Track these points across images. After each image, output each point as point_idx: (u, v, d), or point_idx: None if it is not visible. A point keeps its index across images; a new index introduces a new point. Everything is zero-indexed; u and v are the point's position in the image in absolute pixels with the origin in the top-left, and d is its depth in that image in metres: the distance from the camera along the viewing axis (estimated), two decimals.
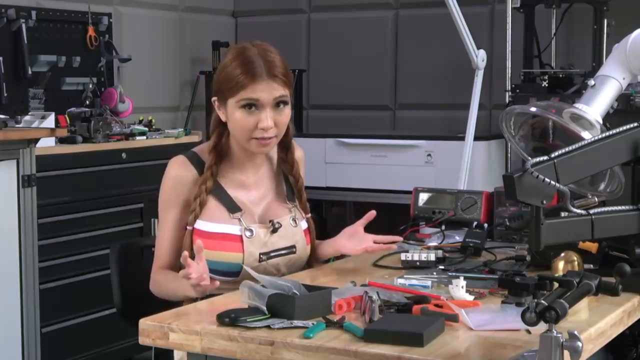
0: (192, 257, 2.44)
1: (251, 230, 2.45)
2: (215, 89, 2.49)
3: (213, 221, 2.45)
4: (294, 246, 2.51)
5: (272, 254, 2.47)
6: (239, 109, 2.42)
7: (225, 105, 2.45)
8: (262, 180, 2.56)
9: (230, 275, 2.43)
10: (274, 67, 2.42)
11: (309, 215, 2.60)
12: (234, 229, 2.45)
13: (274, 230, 2.48)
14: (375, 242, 2.49)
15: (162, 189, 2.52)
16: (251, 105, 2.41)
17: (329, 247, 2.60)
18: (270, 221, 2.49)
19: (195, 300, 2.42)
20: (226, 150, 2.52)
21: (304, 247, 2.54)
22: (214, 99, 2.50)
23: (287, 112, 2.46)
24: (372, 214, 2.51)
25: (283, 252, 2.49)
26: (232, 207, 2.48)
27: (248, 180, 2.53)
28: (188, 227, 2.46)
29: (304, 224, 2.56)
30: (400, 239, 2.59)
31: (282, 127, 2.46)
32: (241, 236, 2.44)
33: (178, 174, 2.49)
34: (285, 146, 2.58)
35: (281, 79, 2.42)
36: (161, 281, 2.46)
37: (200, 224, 2.45)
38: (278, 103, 2.43)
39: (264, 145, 2.45)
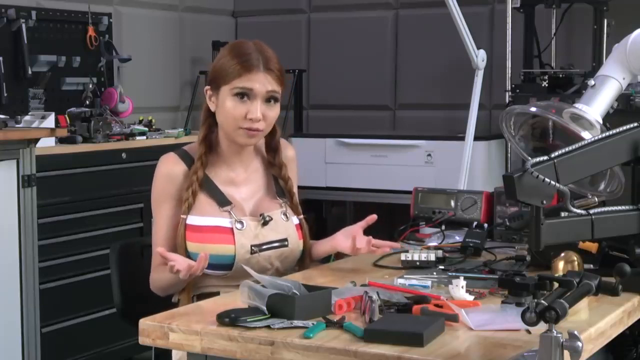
0: (183, 249, 2.46)
1: (242, 222, 2.47)
2: (210, 78, 2.52)
3: (203, 215, 2.46)
4: (286, 239, 2.52)
5: (264, 247, 2.47)
6: (231, 96, 2.45)
7: (217, 93, 2.48)
8: (252, 176, 2.57)
9: (222, 268, 2.44)
10: (270, 62, 2.47)
11: (302, 216, 2.60)
12: (224, 221, 2.46)
13: (265, 223, 2.49)
14: (373, 246, 2.50)
15: (153, 187, 2.53)
16: (243, 95, 2.44)
17: (326, 244, 2.60)
18: (260, 214, 2.50)
19: (194, 300, 2.42)
20: (216, 145, 2.54)
21: (296, 241, 2.54)
22: (206, 87, 2.52)
23: (276, 109, 2.50)
24: (372, 217, 2.52)
25: (275, 244, 2.50)
26: (222, 200, 2.49)
27: (238, 177, 2.54)
28: (182, 216, 2.46)
29: (295, 220, 2.56)
30: (399, 245, 2.59)
31: (270, 122, 2.49)
32: (232, 228, 2.45)
33: (168, 170, 2.51)
34: (272, 149, 2.60)
35: (276, 74, 2.47)
36: (160, 277, 2.46)
37: (191, 219, 2.46)
38: (269, 98, 2.46)
39: (250, 135, 2.46)
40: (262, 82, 2.44)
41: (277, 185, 2.60)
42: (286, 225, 2.53)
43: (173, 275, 2.35)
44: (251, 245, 2.45)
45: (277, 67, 2.48)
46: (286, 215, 2.54)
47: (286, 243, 2.52)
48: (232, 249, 2.43)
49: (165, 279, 2.43)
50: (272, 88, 2.45)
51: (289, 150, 2.65)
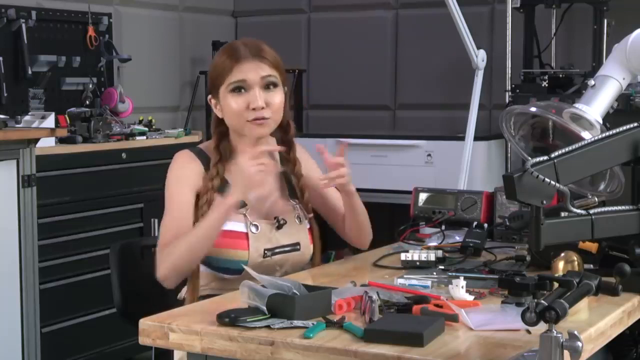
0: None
1: (256, 226, 2.45)
2: (209, 86, 2.51)
3: None
4: (298, 243, 2.51)
5: (277, 250, 2.47)
6: (229, 93, 2.43)
7: (218, 97, 2.46)
8: (266, 178, 2.54)
9: (234, 272, 2.43)
10: (259, 50, 2.44)
11: (311, 215, 2.59)
12: (239, 225, 2.44)
13: (279, 227, 2.48)
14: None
15: (169, 177, 2.46)
16: (240, 88, 2.42)
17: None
18: (275, 218, 2.49)
19: (194, 300, 2.42)
20: (230, 149, 2.51)
21: (308, 245, 2.54)
22: (209, 97, 2.51)
23: (279, 94, 2.46)
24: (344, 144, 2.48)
25: (287, 249, 2.49)
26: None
27: None
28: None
29: (307, 223, 2.56)
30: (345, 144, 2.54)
31: (276, 108, 2.45)
32: (247, 233, 2.44)
33: (185, 164, 2.47)
34: (287, 144, 2.58)
35: (268, 59, 2.43)
36: (179, 241, 2.35)
37: None
38: (268, 84, 2.43)
39: (258, 125, 2.43)
40: (254, 70, 2.41)
41: (290, 187, 2.58)
42: (299, 229, 2.52)
43: (200, 224, 2.32)
44: (264, 249, 2.45)
45: (269, 53, 2.45)
46: (299, 219, 2.53)
47: (298, 247, 2.51)
48: (245, 254, 2.42)
49: (187, 244, 2.33)
50: (266, 73, 2.43)
51: (300, 152, 2.63)
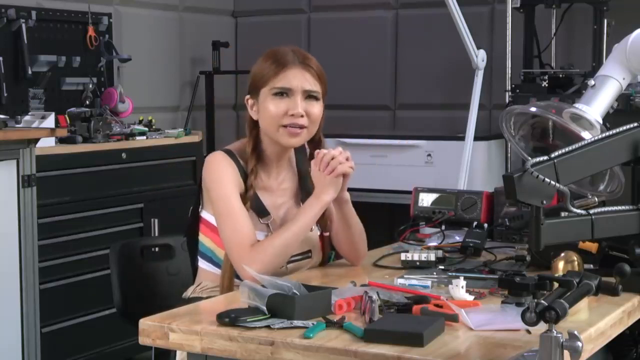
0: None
1: None
2: (249, 86, 2.49)
3: None
4: (309, 251, 2.51)
5: (292, 259, 2.44)
6: (271, 97, 2.42)
7: (257, 99, 2.45)
8: (283, 184, 2.53)
9: None
10: (307, 59, 2.46)
11: (327, 233, 2.55)
12: (260, 235, 2.42)
13: None
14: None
15: (216, 179, 2.42)
16: (283, 93, 2.42)
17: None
18: None
19: (195, 299, 2.42)
20: (263, 154, 2.50)
21: (319, 252, 2.54)
22: (246, 97, 2.49)
23: (319, 107, 2.46)
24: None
25: (299, 257, 2.48)
26: (262, 211, 2.45)
27: (271, 183, 2.51)
28: None
29: (318, 230, 2.54)
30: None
31: (314, 119, 2.45)
32: None
33: (227, 166, 2.43)
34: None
35: (314, 70, 2.45)
36: (274, 239, 2.37)
37: None
38: (309, 96, 2.44)
39: (293, 134, 2.42)
40: (300, 78, 2.42)
41: (303, 193, 2.54)
42: (311, 236, 2.50)
43: (299, 217, 2.36)
44: None
45: (316, 65, 2.46)
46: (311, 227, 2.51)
47: (310, 254, 2.51)
48: None
49: (283, 242, 2.34)
50: (310, 87, 2.43)
51: None
